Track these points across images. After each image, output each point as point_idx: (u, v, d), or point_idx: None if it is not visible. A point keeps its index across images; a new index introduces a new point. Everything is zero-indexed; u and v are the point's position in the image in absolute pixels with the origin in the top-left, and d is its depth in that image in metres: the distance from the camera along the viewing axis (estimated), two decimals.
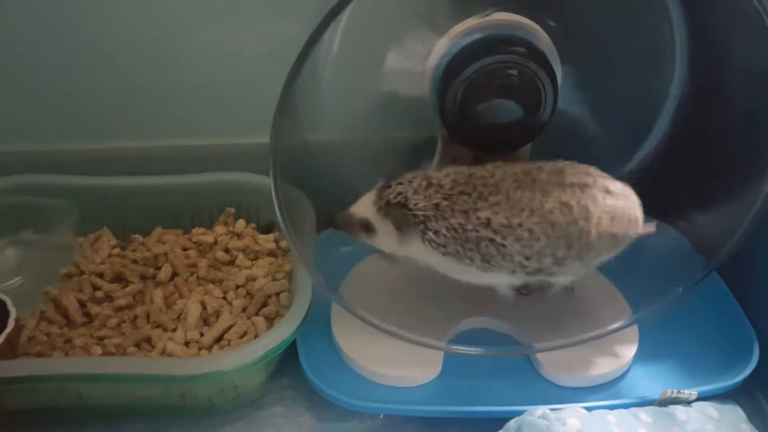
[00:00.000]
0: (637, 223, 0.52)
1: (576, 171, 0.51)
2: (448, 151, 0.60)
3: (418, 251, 0.52)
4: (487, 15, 0.55)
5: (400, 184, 0.51)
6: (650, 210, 0.67)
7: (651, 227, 0.54)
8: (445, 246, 0.50)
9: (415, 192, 0.51)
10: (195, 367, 0.50)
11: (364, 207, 0.52)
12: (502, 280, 0.54)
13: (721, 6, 0.51)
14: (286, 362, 0.56)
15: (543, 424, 0.46)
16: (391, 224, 0.51)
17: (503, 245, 0.50)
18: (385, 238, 0.52)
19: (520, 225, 0.49)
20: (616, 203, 0.51)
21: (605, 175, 0.52)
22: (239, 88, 0.70)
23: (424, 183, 0.51)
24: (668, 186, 0.65)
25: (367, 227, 0.52)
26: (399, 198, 0.51)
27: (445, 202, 0.50)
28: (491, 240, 0.50)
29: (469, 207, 0.49)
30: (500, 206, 0.49)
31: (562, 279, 0.55)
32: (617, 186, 0.52)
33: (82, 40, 0.67)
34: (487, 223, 0.49)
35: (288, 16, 0.65)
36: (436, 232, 0.50)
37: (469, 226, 0.49)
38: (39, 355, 0.56)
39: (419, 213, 0.50)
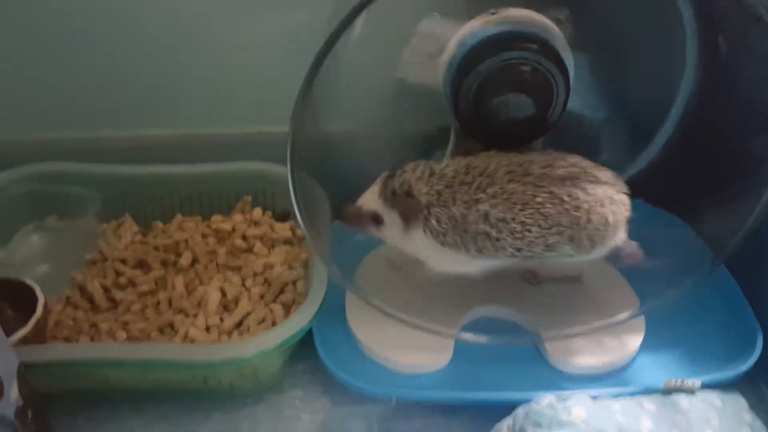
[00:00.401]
0: (626, 205, 0.54)
1: (565, 163, 0.53)
2: (461, 145, 0.61)
3: (419, 242, 0.53)
4: (494, 13, 0.56)
5: (405, 173, 0.53)
6: (662, 203, 0.69)
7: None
8: (444, 235, 0.52)
9: (419, 179, 0.52)
10: (217, 354, 0.52)
11: (371, 199, 0.54)
12: (496, 265, 0.56)
13: (732, 11, 0.52)
14: (304, 347, 0.58)
15: (549, 413, 0.48)
16: (398, 215, 0.53)
17: (497, 239, 0.52)
18: (392, 229, 0.54)
19: (513, 219, 0.51)
20: (607, 190, 0.53)
21: (594, 164, 0.54)
22: (254, 78, 0.72)
23: (427, 171, 0.53)
24: (679, 179, 0.67)
25: (376, 219, 0.54)
26: (404, 186, 0.52)
27: (447, 191, 0.52)
28: (487, 234, 0.52)
29: (469, 198, 0.51)
30: (496, 199, 0.51)
31: (556, 261, 0.56)
32: (606, 174, 0.54)
33: (106, 30, 0.69)
34: (486, 217, 0.51)
35: (304, 2, 0.66)
36: (438, 220, 0.52)
37: (470, 218, 0.51)
38: (66, 339, 0.58)
39: (423, 199, 0.52)
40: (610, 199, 0.53)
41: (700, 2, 0.56)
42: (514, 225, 0.51)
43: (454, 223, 0.52)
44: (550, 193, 0.51)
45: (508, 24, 0.55)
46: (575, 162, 0.54)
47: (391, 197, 0.52)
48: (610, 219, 0.53)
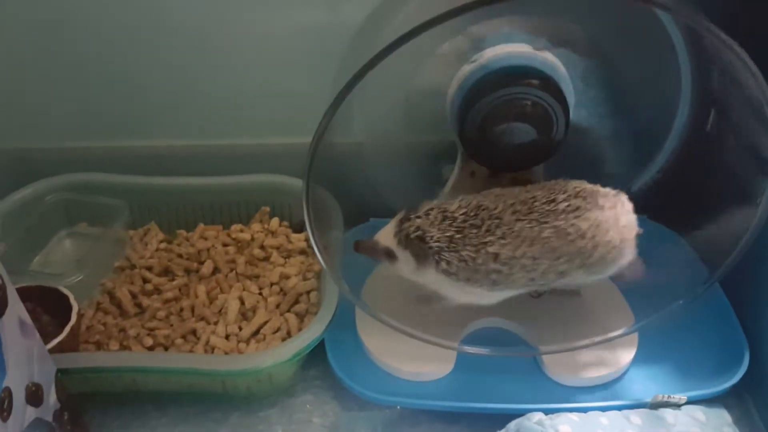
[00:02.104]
0: (633, 227, 0.57)
1: (567, 195, 0.55)
2: (467, 166, 0.65)
3: (432, 278, 0.57)
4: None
5: (418, 218, 0.56)
6: (663, 219, 0.71)
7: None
8: (456, 274, 0.56)
9: (431, 225, 0.55)
10: (234, 364, 0.57)
11: (387, 237, 0.57)
12: (512, 294, 0.59)
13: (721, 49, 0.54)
14: (316, 354, 0.61)
15: (538, 429, 0.52)
16: (410, 255, 0.56)
17: (510, 274, 0.55)
18: (405, 265, 0.57)
19: (523, 255, 0.54)
20: (609, 215, 0.55)
21: (595, 188, 0.56)
22: (274, 90, 0.74)
23: (439, 216, 0.55)
24: (677, 200, 0.69)
25: (390, 255, 0.57)
26: (417, 232, 0.55)
27: (457, 235, 0.55)
28: (498, 272, 0.55)
29: (478, 242, 0.54)
30: (505, 239, 0.54)
31: (571, 284, 0.60)
32: (608, 198, 0.56)
33: (134, 45, 0.72)
34: (495, 258, 0.54)
35: (323, 7, 0.69)
36: (448, 263, 0.55)
37: (479, 260, 0.54)
38: (97, 343, 0.63)
39: (434, 245, 0.55)
40: (615, 223, 0.55)
41: (693, 39, 0.59)
42: (524, 261, 0.54)
43: (465, 265, 0.55)
44: (554, 227, 0.54)
45: (513, 59, 0.58)
46: (577, 191, 0.56)
47: (405, 240, 0.56)
48: (617, 242, 0.55)
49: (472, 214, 0.55)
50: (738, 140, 0.60)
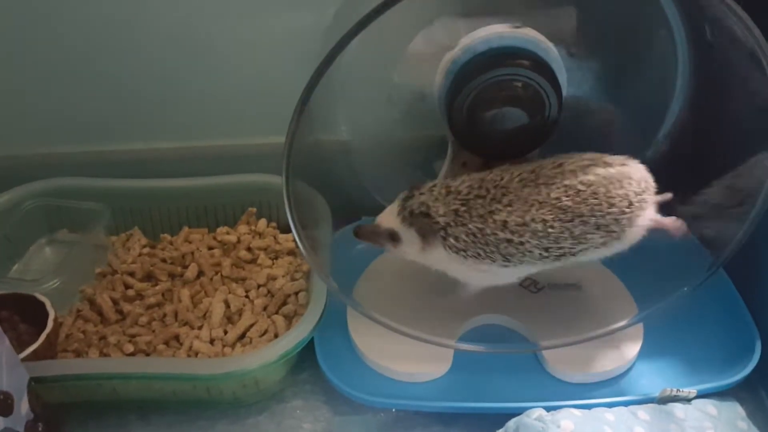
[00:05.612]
0: (648, 182, 0.54)
1: (574, 158, 0.54)
2: (458, 156, 0.62)
3: (439, 258, 0.55)
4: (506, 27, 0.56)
5: (422, 194, 0.54)
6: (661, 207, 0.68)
7: (667, 195, 0.56)
8: (465, 250, 0.53)
9: (436, 200, 0.53)
10: (217, 367, 0.54)
11: (389, 218, 0.55)
12: (528, 271, 0.56)
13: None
14: (306, 357, 0.59)
15: (538, 426, 0.49)
16: (416, 233, 0.54)
17: (521, 243, 0.53)
18: (410, 246, 0.55)
19: (533, 220, 0.52)
20: (621, 169, 0.53)
21: (603, 155, 0.54)
22: (258, 88, 0.73)
23: (443, 191, 0.54)
24: (677, 183, 0.66)
25: (393, 237, 0.55)
26: (422, 207, 0.53)
27: (463, 208, 0.53)
28: (509, 240, 0.53)
29: (485, 211, 0.52)
30: (513, 206, 0.52)
31: (589, 254, 0.56)
32: (617, 158, 0.54)
33: (115, 48, 0.70)
34: (504, 225, 0.52)
35: (306, 7, 0.67)
36: (456, 238, 0.53)
37: (488, 230, 0.52)
38: (76, 352, 0.60)
39: (440, 220, 0.53)
40: (628, 179, 0.53)
41: (690, 17, 0.56)
42: (534, 225, 0.52)
43: (473, 238, 0.53)
44: (564, 186, 0.52)
45: (503, 40, 0.56)
46: (584, 156, 0.54)
47: (410, 217, 0.54)
48: (633, 198, 0.53)
49: (476, 186, 0.53)
50: (739, 107, 0.57)
